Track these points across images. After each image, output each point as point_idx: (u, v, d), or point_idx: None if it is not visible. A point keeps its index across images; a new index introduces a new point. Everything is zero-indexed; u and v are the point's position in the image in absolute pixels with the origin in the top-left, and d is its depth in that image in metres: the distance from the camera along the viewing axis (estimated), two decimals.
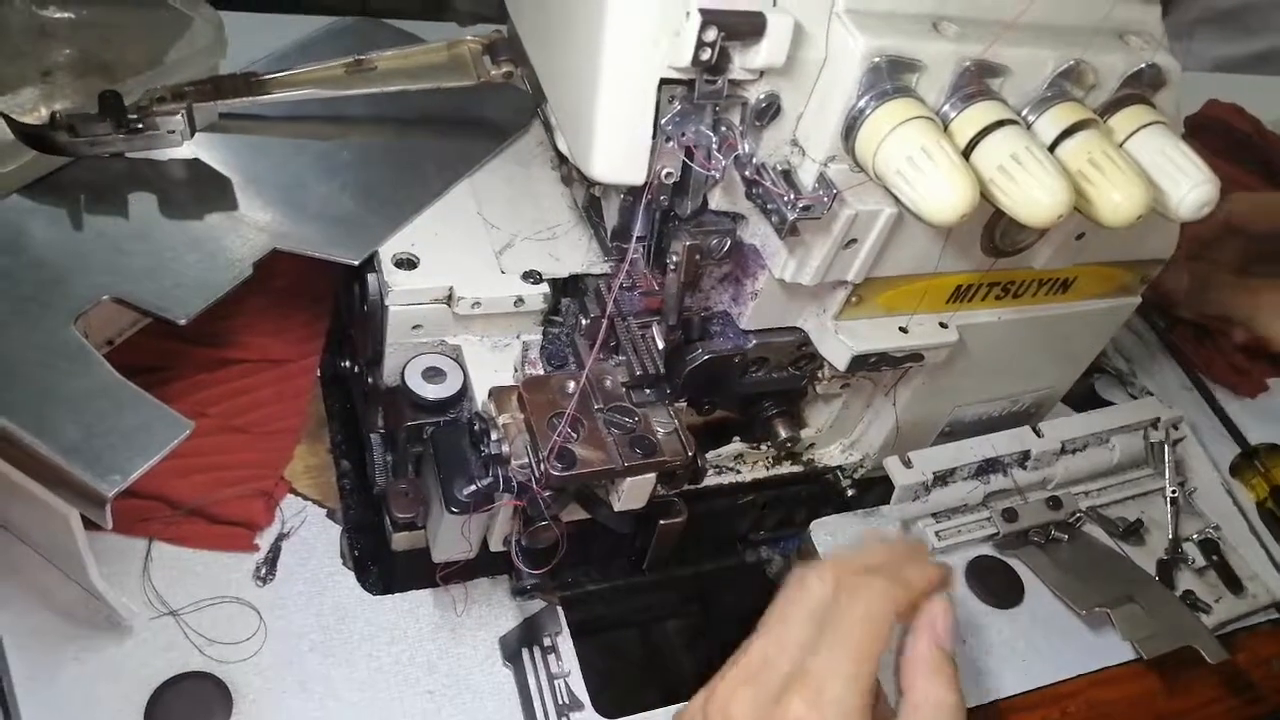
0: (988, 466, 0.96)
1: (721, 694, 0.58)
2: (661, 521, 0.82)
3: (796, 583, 0.61)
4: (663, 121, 0.66)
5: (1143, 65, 0.72)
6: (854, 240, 0.72)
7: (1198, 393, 1.20)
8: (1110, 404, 1.14)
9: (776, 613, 0.61)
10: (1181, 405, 1.12)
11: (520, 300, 0.77)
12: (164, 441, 0.63)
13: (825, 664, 0.56)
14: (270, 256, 0.76)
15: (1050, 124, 0.69)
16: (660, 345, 0.74)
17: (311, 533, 0.83)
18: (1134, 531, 1.00)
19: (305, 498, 0.84)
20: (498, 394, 0.72)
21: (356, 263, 0.76)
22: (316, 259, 0.77)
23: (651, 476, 0.72)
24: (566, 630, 0.81)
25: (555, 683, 0.78)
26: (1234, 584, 0.99)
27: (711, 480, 0.92)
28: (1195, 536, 1.02)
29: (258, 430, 0.85)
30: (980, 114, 0.66)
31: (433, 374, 0.76)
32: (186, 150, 0.80)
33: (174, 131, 0.76)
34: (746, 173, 0.66)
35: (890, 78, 0.65)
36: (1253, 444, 1.14)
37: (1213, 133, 1.49)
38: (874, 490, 0.99)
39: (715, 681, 0.60)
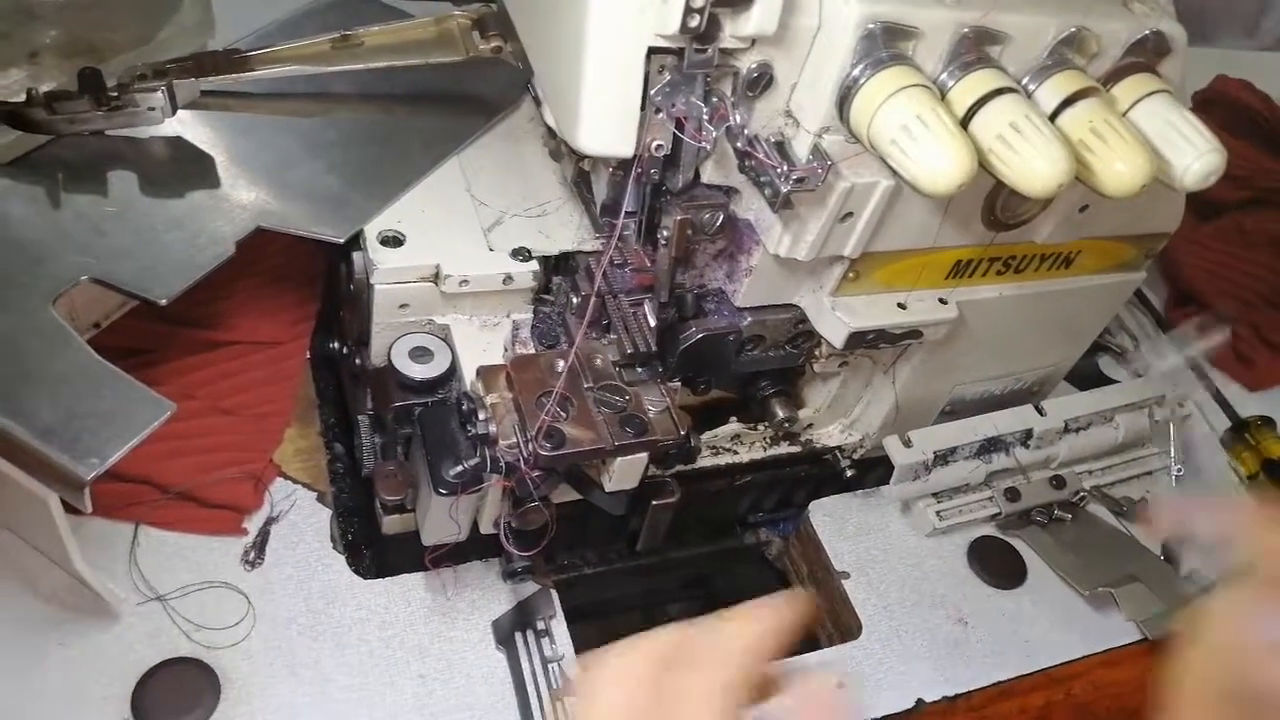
0: (990, 445, 0.94)
1: None
2: (654, 501, 0.80)
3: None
4: (652, 92, 0.64)
5: (1147, 32, 0.70)
6: (850, 214, 0.70)
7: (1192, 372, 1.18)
8: (1115, 382, 1.12)
9: None
10: (1181, 383, 1.10)
11: (509, 278, 0.75)
12: (144, 424, 0.61)
13: None
14: (258, 237, 0.74)
15: (1051, 93, 0.67)
16: (652, 323, 0.73)
17: (301, 516, 0.81)
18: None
19: (295, 481, 0.83)
20: (486, 373, 0.71)
21: (341, 240, 0.74)
22: (305, 239, 0.76)
23: (643, 456, 0.71)
24: (560, 613, 0.80)
25: (549, 666, 0.77)
26: None
27: (708, 461, 0.90)
28: None
29: (246, 413, 0.84)
30: (978, 82, 0.64)
31: (420, 354, 0.74)
32: (169, 128, 0.78)
33: (155, 109, 0.75)
34: (739, 144, 0.65)
35: (885, 45, 0.63)
36: (1243, 417, 1.12)
37: (1221, 108, 1.46)
38: (874, 471, 0.98)
39: None
